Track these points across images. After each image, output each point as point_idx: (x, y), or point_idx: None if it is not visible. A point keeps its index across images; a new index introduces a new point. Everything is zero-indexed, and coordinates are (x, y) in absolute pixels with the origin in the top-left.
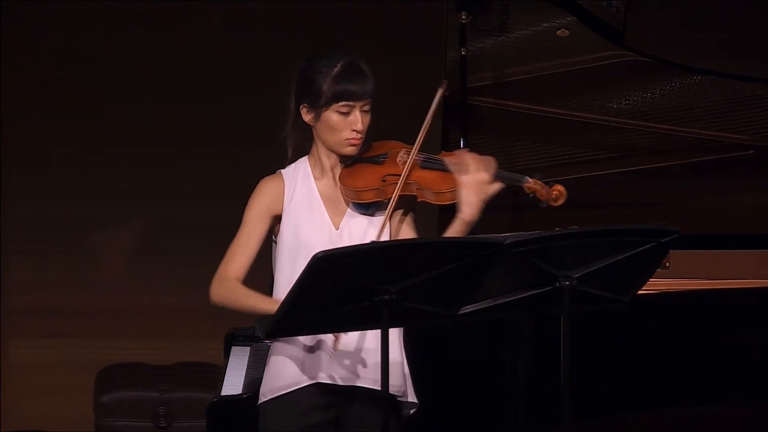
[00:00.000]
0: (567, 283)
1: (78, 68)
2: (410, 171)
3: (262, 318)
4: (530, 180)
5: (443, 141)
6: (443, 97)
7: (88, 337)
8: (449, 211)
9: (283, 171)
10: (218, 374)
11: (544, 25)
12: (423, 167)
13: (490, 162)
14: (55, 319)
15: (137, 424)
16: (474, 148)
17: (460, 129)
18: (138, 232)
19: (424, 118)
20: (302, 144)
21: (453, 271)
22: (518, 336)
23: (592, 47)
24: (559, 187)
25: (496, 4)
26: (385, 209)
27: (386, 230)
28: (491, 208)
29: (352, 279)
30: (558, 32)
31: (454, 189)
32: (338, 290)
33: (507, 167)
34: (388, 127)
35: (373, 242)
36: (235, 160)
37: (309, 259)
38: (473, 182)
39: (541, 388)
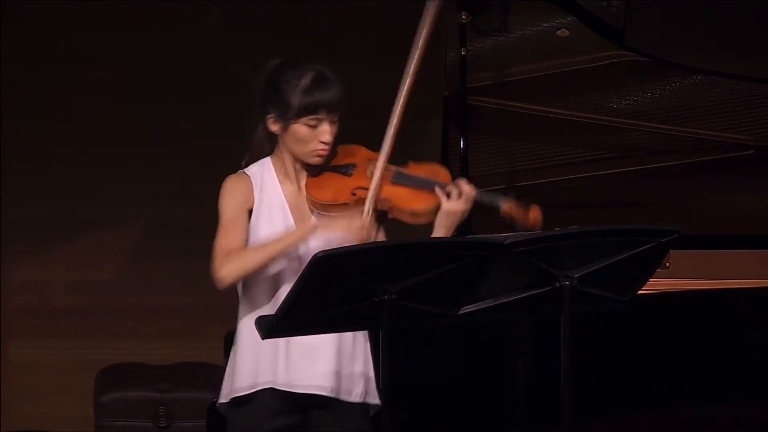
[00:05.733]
0: (567, 283)
1: (77, 68)
2: (381, 186)
3: (262, 318)
4: (505, 204)
5: (443, 141)
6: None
7: (88, 337)
8: None
9: (247, 171)
10: (218, 374)
11: (544, 25)
12: (394, 183)
13: (473, 189)
14: (55, 319)
15: (137, 424)
16: (474, 148)
17: (460, 129)
18: (138, 232)
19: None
20: (265, 147)
21: (453, 271)
22: (518, 336)
23: (592, 47)
24: (536, 214)
25: (496, 4)
26: None
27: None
28: (492, 208)
29: (352, 279)
30: (558, 32)
31: (430, 210)
32: (338, 290)
33: (507, 167)
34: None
35: (373, 242)
36: (238, 160)
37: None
38: (458, 211)
39: (541, 388)
